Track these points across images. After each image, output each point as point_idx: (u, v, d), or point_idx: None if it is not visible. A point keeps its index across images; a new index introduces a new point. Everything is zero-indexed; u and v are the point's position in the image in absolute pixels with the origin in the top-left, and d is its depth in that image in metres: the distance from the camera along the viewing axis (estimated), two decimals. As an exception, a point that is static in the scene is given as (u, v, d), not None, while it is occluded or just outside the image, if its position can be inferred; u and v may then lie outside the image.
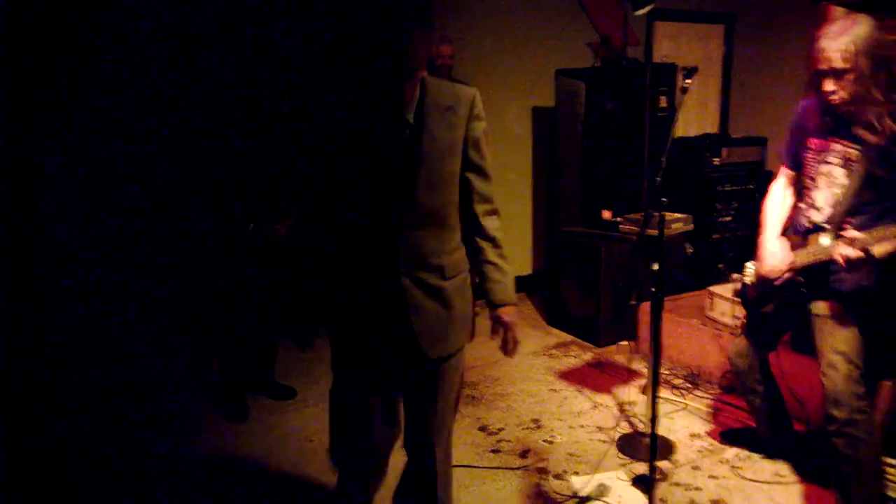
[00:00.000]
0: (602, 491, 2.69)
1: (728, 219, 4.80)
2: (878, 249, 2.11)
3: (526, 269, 5.67)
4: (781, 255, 2.45)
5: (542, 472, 2.89)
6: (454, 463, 2.91)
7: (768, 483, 2.75)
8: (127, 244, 4.01)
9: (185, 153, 3.99)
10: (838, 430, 2.30)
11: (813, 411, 3.06)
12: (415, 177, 1.75)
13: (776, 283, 2.47)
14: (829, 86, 2.18)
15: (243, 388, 3.53)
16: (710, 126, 6.44)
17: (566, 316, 4.63)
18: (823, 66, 2.17)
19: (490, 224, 1.96)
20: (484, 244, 1.95)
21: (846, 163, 2.27)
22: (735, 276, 2.71)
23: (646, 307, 4.19)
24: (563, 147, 4.83)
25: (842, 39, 2.13)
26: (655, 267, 3.03)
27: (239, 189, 3.30)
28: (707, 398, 3.54)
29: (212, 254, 3.64)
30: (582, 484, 2.76)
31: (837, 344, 2.31)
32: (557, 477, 2.85)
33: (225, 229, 3.33)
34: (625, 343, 4.36)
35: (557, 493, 2.72)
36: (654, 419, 2.31)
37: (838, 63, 2.13)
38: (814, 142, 2.37)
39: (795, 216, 2.51)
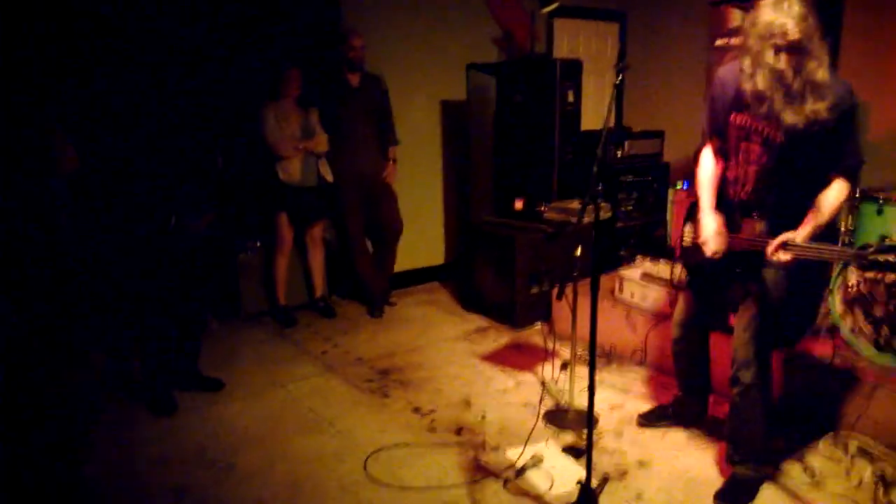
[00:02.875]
0: (536, 460, 2.84)
1: (629, 208, 5.12)
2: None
3: (439, 258, 5.80)
4: (719, 233, 2.47)
5: (479, 446, 3.01)
6: (391, 443, 3.00)
7: (685, 445, 3.01)
8: (41, 239, 3.78)
9: (100, 147, 3.81)
10: (743, 391, 2.54)
11: (716, 380, 3.35)
12: None
13: (715, 257, 2.51)
14: (781, 63, 2.13)
15: (168, 381, 3.43)
16: (610, 120, 6.81)
17: (483, 302, 4.80)
18: (780, 42, 2.11)
19: None
20: None
21: (767, 143, 2.32)
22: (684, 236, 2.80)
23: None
24: (475, 140, 4.99)
25: (795, 9, 2.08)
26: (578, 252, 3.23)
27: (157, 184, 3.21)
28: (621, 372, 3.80)
29: (127, 249, 3.51)
30: (517, 455, 2.90)
31: (755, 314, 2.50)
32: (493, 450, 2.98)
33: (144, 224, 3.23)
34: (540, 324, 4.58)
35: (495, 465, 2.85)
36: (591, 392, 2.46)
37: (794, 35, 2.08)
38: (736, 117, 2.39)
39: (722, 187, 2.57)
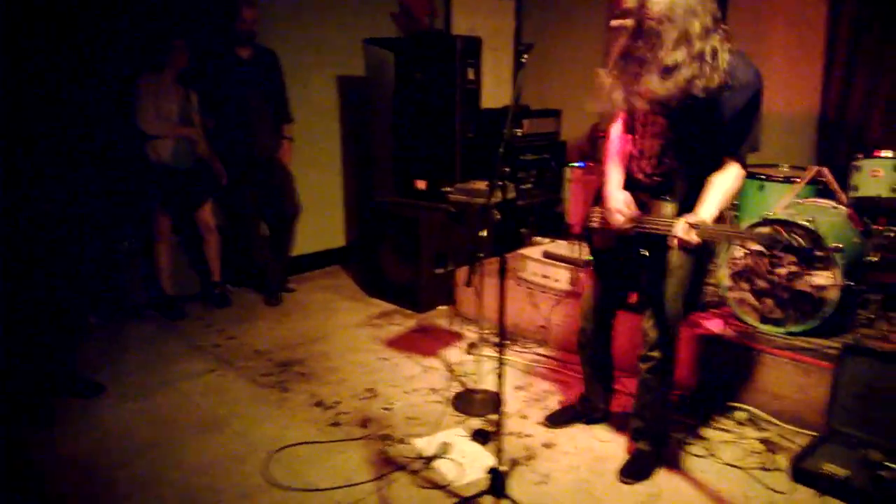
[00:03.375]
0: (445, 448, 2.81)
1: (529, 186, 5.15)
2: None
3: (339, 241, 5.64)
4: (626, 209, 2.47)
5: (386, 438, 2.94)
6: (294, 441, 2.88)
7: (589, 425, 3.05)
8: None
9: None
10: (653, 368, 2.59)
11: (617, 357, 3.43)
12: None
13: (628, 232, 2.50)
14: (637, 33, 2.18)
15: (42, 385, 3.15)
16: (506, 98, 6.82)
17: (386, 285, 4.70)
18: (639, 14, 2.16)
19: None
20: None
21: (670, 116, 2.33)
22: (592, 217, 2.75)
23: (463, 272, 4.40)
24: (375, 117, 4.86)
25: None
26: (484, 233, 3.19)
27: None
28: (525, 352, 3.83)
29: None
30: (425, 444, 2.86)
31: (663, 295, 2.52)
32: (401, 441, 2.92)
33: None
34: (444, 307, 4.54)
35: (404, 457, 2.79)
36: (500, 377, 2.44)
37: (646, 15, 2.14)
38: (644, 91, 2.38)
39: (629, 163, 2.56)
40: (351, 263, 5.51)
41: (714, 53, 2.16)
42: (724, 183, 2.33)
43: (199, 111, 4.28)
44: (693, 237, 2.20)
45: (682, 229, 2.22)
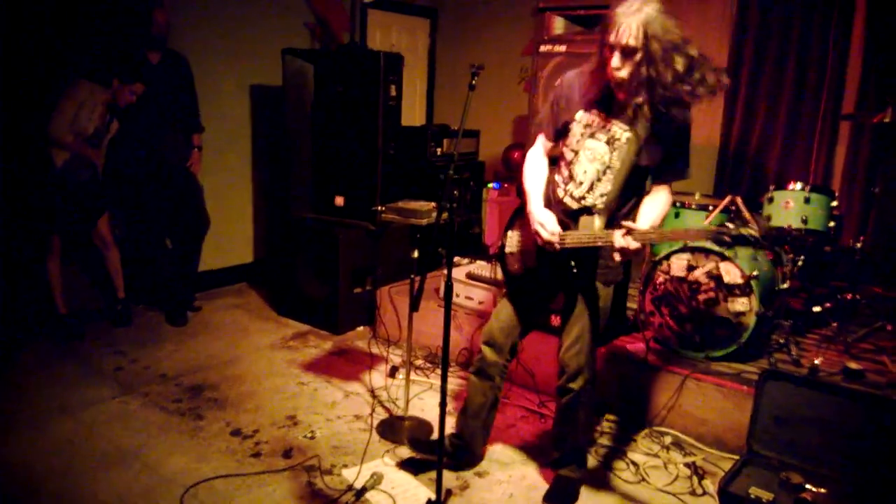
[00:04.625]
0: (375, 480, 2.68)
1: (454, 206, 5.11)
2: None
3: (247, 257, 5.37)
4: (551, 226, 2.38)
5: (311, 469, 2.78)
6: (211, 475, 2.66)
7: (519, 453, 3.02)
8: None
9: None
10: (574, 399, 2.57)
11: (541, 381, 3.44)
12: None
13: (554, 249, 2.39)
14: (615, 61, 2.15)
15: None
16: (420, 117, 6.80)
17: (301, 305, 4.51)
18: (613, 40, 2.13)
19: None
20: None
21: (612, 142, 2.32)
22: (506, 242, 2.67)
23: (383, 292, 4.29)
24: (292, 129, 4.67)
25: (636, 18, 2.09)
26: (416, 255, 3.11)
27: None
28: (449, 376, 3.74)
29: None
30: (354, 475, 2.72)
31: (585, 325, 2.52)
32: (327, 472, 2.76)
33: None
34: (362, 328, 4.41)
35: (332, 489, 2.64)
36: (443, 405, 2.36)
37: (630, 41, 2.10)
38: (584, 115, 2.38)
39: (553, 187, 2.54)
40: (260, 280, 5.26)
41: (692, 63, 2.17)
42: (656, 204, 2.37)
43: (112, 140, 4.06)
44: (631, 242, 2.16)
45: (619, 236, 2.18)
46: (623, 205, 2.41)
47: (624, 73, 2.16)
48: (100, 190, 4.03)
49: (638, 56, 2.12)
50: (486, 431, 2.84)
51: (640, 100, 2.19)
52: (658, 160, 2.33)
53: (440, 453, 2.35)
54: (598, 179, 2.37)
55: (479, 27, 6.51)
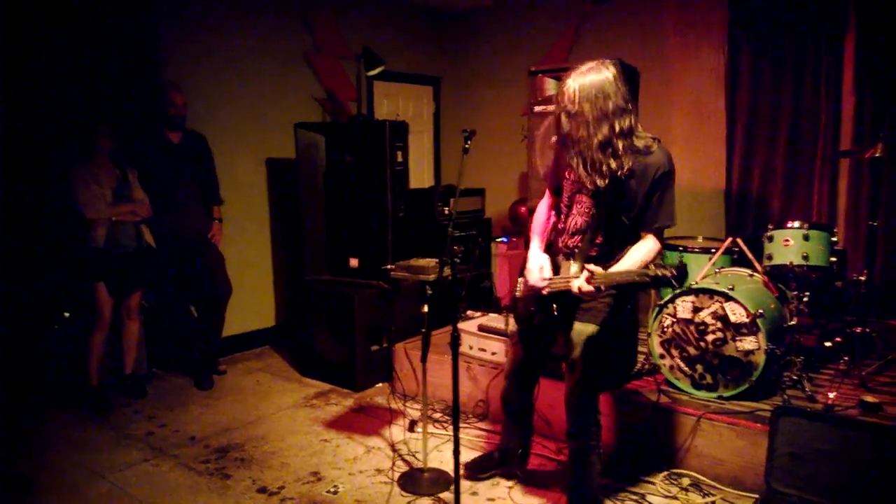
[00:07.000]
0: (399, 530, 2.75)
1: (457, 261, 5.26)
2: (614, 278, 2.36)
3: (269, 321, 5.54)
4: (542, 270, 2.62)
5: (336, 523, 2.86)
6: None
7: (537, 500, 3.06)
8: None
9: None
10: (579, 447, 2.71)
11: (557, 429, 3.49)
12: None
13: (543, 292, 2.63)
14: (562, 120, 2.40)
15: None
16: (428, 179, 7.04)
17: (320, 364, 4.63)
18: (560, 102, 2.39)
19: None
20: None
21: (597, 196, 2.51)
22: (519, 286, 2.88)
23: (399, 348, 4.40)
24: (306, 198, 4.89)
25: (574, 81, 2.33)
26: (425, 309, 3.24)
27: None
28: (467, 427, 3.82)
29: None
30: (378, 527, 2.79)
31: (577, 370, 2.64)
32: (352, 525, 2.84)
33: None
34: (381, 384, 4.51)
35: (357, 541, 2.71)
36: (456, 454, 2.44)
37: (566, 102, 2.35)
38: (570, 173, 2.58)
39: (553, 237, 2.76)
40: (282, 343, 5.40)
41: (630, 131, 2.38)
42: (638, 251, 2.51)
43: (141, 187, 4.22)
44: (584, 285, 2.34)
45: (581, 279, 2.37)
46: (610, 251, 2.56)
47: (565, 132, 2.40)
48: (144, 262, 4.19)
49: (576, 117, 2.35)
50: (522, 440, 3.16)
51: (589, 158, 2.40)
52: (635, 212, 2.51)
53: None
54: (585, 230, 2.58)
55: (480, 90, 6.81)
